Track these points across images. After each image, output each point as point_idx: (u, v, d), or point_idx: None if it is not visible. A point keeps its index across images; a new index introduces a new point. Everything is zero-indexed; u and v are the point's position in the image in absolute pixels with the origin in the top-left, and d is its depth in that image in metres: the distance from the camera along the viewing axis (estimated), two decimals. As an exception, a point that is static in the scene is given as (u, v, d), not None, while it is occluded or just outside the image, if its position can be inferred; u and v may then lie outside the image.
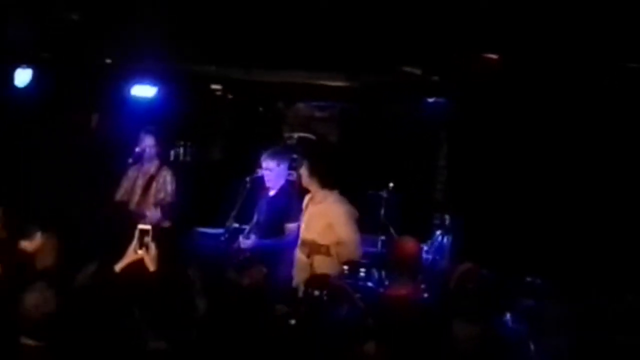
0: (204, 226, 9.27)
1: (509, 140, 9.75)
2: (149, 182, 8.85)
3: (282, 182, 8.33)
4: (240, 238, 8.10)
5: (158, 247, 5.37)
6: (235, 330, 4.82)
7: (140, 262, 5.32)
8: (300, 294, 6.29)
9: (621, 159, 9.15)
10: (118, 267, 5.32)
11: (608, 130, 9.14)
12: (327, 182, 7.77)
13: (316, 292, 5.12)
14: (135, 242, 5.38)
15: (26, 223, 6.44)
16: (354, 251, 7.58)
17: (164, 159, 9.16)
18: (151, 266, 5.32)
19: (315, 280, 5.77)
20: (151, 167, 8.89)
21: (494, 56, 8.33)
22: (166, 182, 8.84)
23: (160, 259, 5.30)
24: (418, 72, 9.07)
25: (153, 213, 8.52)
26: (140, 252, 5.36)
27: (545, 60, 8.45)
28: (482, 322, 5.39)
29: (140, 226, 5.44)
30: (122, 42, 9.20)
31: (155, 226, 8.21)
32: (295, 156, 9.80)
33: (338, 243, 7.52)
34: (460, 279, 5.75)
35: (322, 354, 4.78)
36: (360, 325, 5.09)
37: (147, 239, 5.39)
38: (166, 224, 8.55)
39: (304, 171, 7.87)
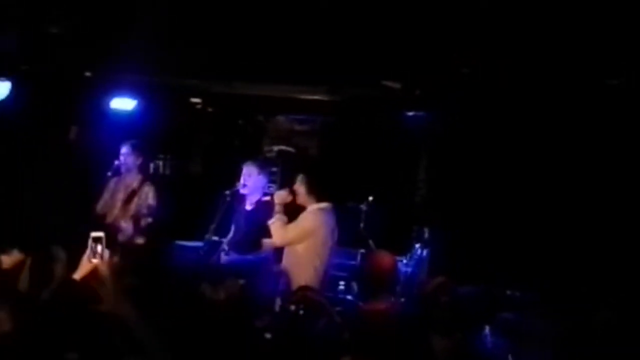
0: (183, 239, 9.24)
1: (488, 154, 9.78)
2: (131, 197, 8.80)
3: (259, 193, 8.31)
4: (221, 254, 8.09)
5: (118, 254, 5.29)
6: (211, 344, 4.79)
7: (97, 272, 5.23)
8: (277, 308, 6.28)
9: (601, 173, 9.19)
10: (76, 277, 5.24)
11: (587, 145, 9.19)
12: (324, 196, 7.77)
13: (292, 307, 5.09)
14: (88, 250, 5.29)
15: (4, 238, 6.37)
16: (281, 236, 7.68)
17: (146, 174, 9.12)
18: (106, 274, 5.23)
19: (293, 294, 5.74)
20: (134, 181, 8.84)
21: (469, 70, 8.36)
22: (148, 197, 8.78)
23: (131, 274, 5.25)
24: (397, 86, 9.09)
25: (127, 226, 8.48)
26: (94, 260, 5.27)
27: (525, 76, 8.50)
28: (457, 335, 5.38)
29: (93, 234, 5.33)
30: (101, 55, 9.18)
31: (129, 241, 8.27)
32: (275, 169, 9.80)
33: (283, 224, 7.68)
34: (433, 292, 5.74)
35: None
36: (336, 339, 5.06)
37: (100, 247, 5.29)
38: (140, 240, 8.50)
39: (300, 187, 7.77)
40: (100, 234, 5.33)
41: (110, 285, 5.24)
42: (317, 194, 7.73)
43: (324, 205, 7.71)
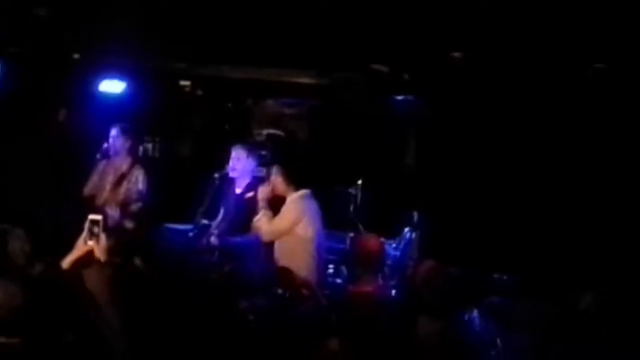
0: (172, 222, 9.22)
1: (476, 138, 9.80)
2: (120, 180, 8.77)
3: (248, 176, 8.32)
4: (212, 237, 8.09)
5: (110, 239, 5.28)
6: (197, 325, 4.81)
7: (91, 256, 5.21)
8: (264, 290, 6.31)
9: (588, 156, 9.23)
10: (67, 262, 5.22)
11: (574, 128, 9.22)
12: (302, 184, 7.83)
13: (279, 290, 5.11)
14: (85, 233, 5.26)
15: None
16: (269, 231, 7.70)
17: (136, 157, 9.10)
18: (102, 257, 5.21)
19: (280, 277, 5.76)
20: (123, 164, 8.81)
21: (459, 54, 8.38)
22: (138, 181, 8.74)
23: (115, 255, 5.23)
24: (385, 69, 9.10)
25: (114, 212, 8.44)
26: (90, 243, 5.24)
27: (512, 60, 8.52)
28: (446, 318, 5.41)
29: (91, 216, 5.30)
30: (90, 37, 9.16)
31: (118, 226, 8.25)
32: (264, 153, 9.79)
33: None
34: (427, 275, 5.76)
35: (286, 350, 4.77)
36: (323, 321, 5.09)
37: (98, 229, 5.26)
38: (129, 224, 8.47)
39: (277, 178, 7.81)
40: (98, 217, 5.30)
41: (102, 268, 5.23)
42: (296, 182, 7.80)
43: (302, 192, 7.79)
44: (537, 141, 9.45)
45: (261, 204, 7.79)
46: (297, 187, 7.79)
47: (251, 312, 5.23)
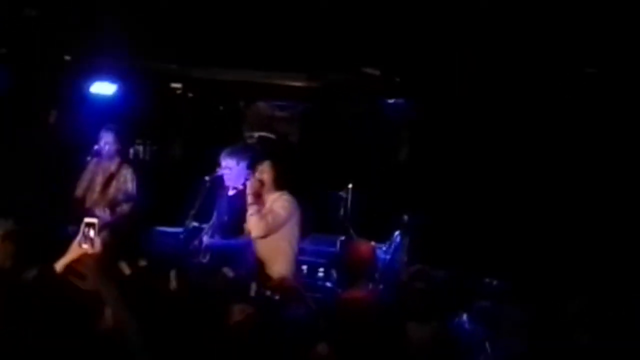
0: (163, 225, 9.20)
1: (467, 141, 9.81)
2: (109, 180, 8.77)
3: (242, 181, 8.29)
4: (204, 238, 8.06)
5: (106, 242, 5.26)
6: (190, 329, 4.80)
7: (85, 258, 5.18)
8: (252, 293, 6.25)
9: (580, 160, 9.24)
10: (60, 265, 5.19)
11: (567, 131, 9.23)
12: (287, 185, 7.73)
13: (268, 293, 5.08)
14: (80, 235, 5.24)
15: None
16: (263, 226, 7.48)
17: (124, 157, 9.09)
18: (93, 261, 5.17)
19: (270, 281, 5.74)
20: (111, 164, 8.81)
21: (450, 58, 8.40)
22: (127, 180, 8.75)
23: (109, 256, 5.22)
24: (377, 72, 9.12)
25: (103, 214, 8.42)
26: (85, 246, 5.22)
27: (505, 62, 8.53)
28: (434, 322, 5.41)
29: (86, 219, 5.28)
30: (82, 39, 9.15)
31: (108, 227, 8.21)
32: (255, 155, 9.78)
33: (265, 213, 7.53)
34: (410, 279, 5.75)
35: (276, 355, 4.76)
36: (311, 326, 5.07)
37: (92, 232, 5.24)
38: (119, 225, 8.42)
39: (267, 174, 7.67)
40: (94, 220, 5.28)
41: (96, 272, 5.21)
42: (283, 181, 7.68)
43: (286, 192, 7.65)
44: (529, 145, 9.46)
45: (250, 199, 7.58)
46: (280, 187, 7.69)
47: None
